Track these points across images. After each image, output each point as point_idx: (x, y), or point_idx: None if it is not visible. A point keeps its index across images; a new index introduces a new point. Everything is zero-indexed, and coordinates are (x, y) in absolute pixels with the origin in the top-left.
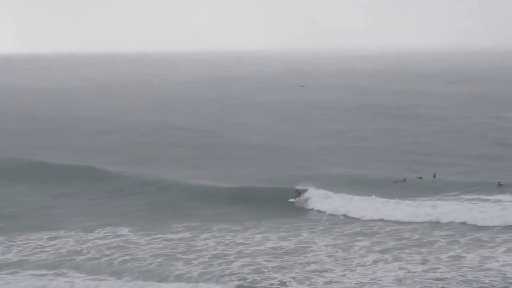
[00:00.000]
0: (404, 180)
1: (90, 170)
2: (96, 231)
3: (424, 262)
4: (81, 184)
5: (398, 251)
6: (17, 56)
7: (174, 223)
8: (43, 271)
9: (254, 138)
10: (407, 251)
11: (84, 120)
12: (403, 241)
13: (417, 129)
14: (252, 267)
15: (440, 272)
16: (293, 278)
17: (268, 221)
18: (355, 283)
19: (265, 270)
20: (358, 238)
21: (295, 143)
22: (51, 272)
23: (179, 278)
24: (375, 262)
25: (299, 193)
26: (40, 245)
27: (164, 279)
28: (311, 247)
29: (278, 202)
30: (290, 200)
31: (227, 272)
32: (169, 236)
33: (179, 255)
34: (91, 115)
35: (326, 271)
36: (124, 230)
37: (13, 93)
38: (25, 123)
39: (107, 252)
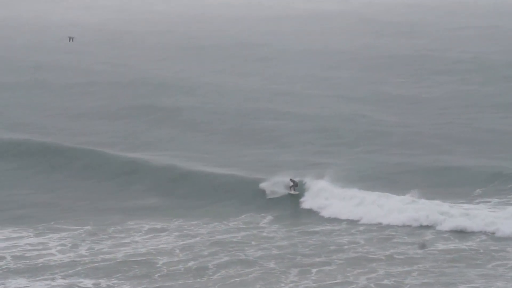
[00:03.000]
0: None
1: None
2: (225, 221)
3: None
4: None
5: None
6: None
7: None
8: (81, 280)
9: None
10: None
11: None
12: None
13: None
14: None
15: None
16: None
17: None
18: None
19: None
20: None
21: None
22: (94, 282)
23: None
24: None
25: (295, 184)
26: (124, 240)
27: None
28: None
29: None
30: (290, 192)
31: None
32: (316, 228)
33: (306, 260)
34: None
35: None
36: (265, 219)
37: None
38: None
39: (205, 253)
